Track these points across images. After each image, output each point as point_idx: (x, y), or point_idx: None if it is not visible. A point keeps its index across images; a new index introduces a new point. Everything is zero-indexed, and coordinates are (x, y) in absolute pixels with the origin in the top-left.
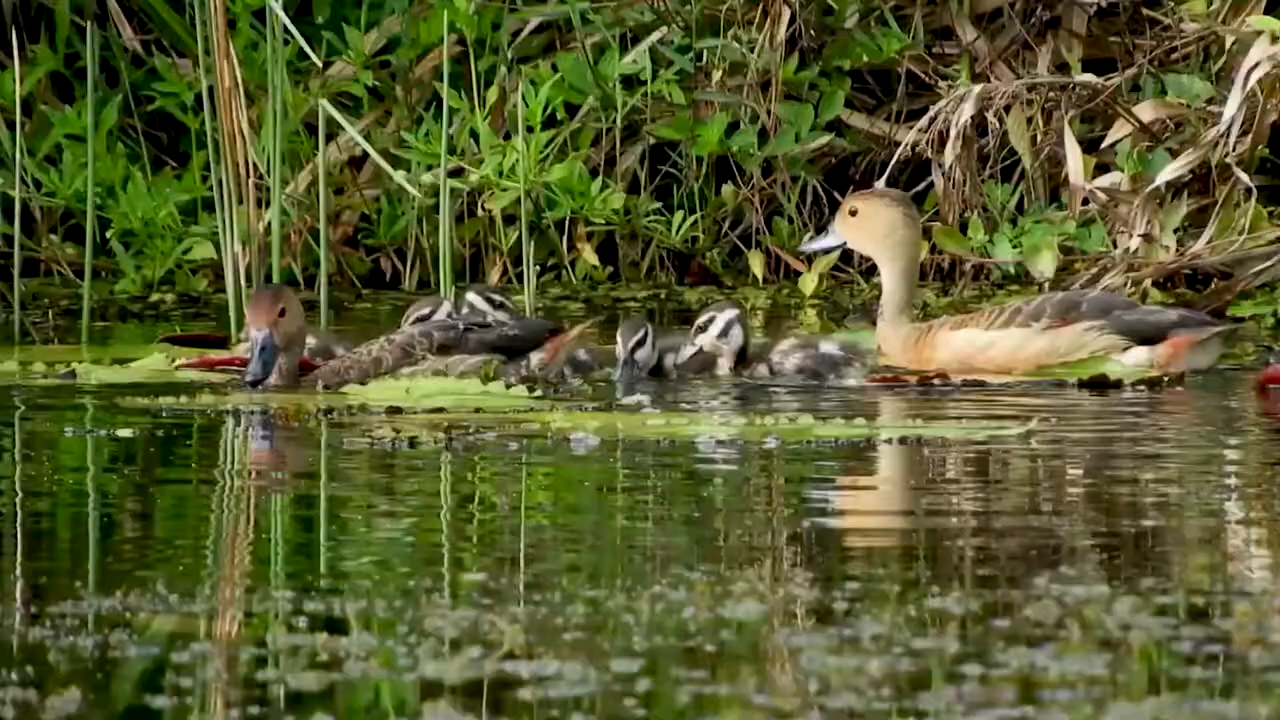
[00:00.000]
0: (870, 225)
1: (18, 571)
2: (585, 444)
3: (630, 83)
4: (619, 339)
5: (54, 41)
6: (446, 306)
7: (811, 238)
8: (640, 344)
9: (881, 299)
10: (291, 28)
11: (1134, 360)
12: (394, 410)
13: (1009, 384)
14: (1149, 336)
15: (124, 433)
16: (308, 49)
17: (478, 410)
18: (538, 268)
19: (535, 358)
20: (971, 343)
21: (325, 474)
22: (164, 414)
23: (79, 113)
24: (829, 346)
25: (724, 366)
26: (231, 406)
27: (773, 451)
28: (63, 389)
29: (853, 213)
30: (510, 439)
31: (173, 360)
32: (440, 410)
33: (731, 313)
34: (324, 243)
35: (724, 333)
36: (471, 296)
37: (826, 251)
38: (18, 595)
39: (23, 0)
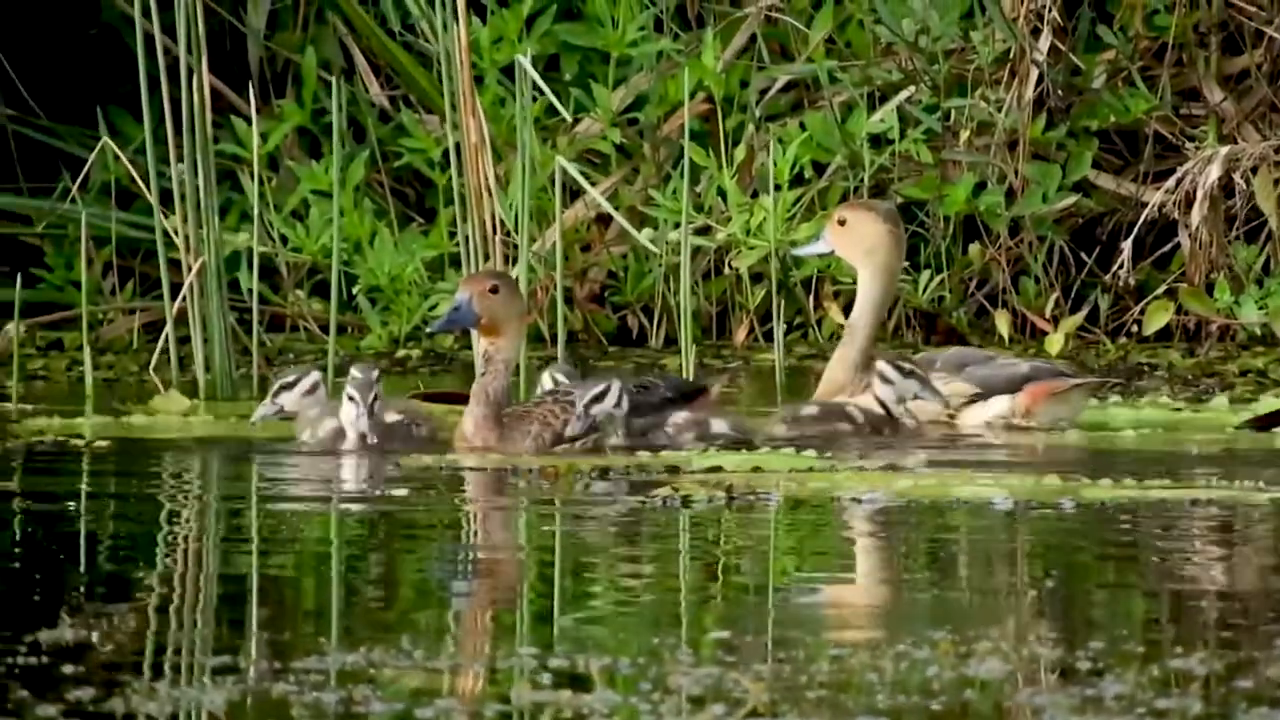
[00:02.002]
0: (855, 237)
1: (262, 626)
2: (875, 503)
3: (878, 141)
4: (577, 391)
5: (301, 96)
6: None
7: (806, 243)
8: (599, 398)
9: (850, 316)
10: (541, 83)
11: (995, 410)
12: (671, 469)
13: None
14: (1002, 389)
15: (397, 491)
16: (558, 105)
17: (756, 469)
18: (784, 326)
19: (684, 418)
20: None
21: (581, 531)
22: (442, 469)
23: (326, 168)
24: (720, 425)
25: (615, 439)
26: (509, 465)
27: (1067, 513)
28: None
29: (841, 222)
30: (792, 499)
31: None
32: (718, 469)
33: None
34: (560, 299)
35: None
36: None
37: (819, 255)
38: (262, 650)
39: (270, 55)
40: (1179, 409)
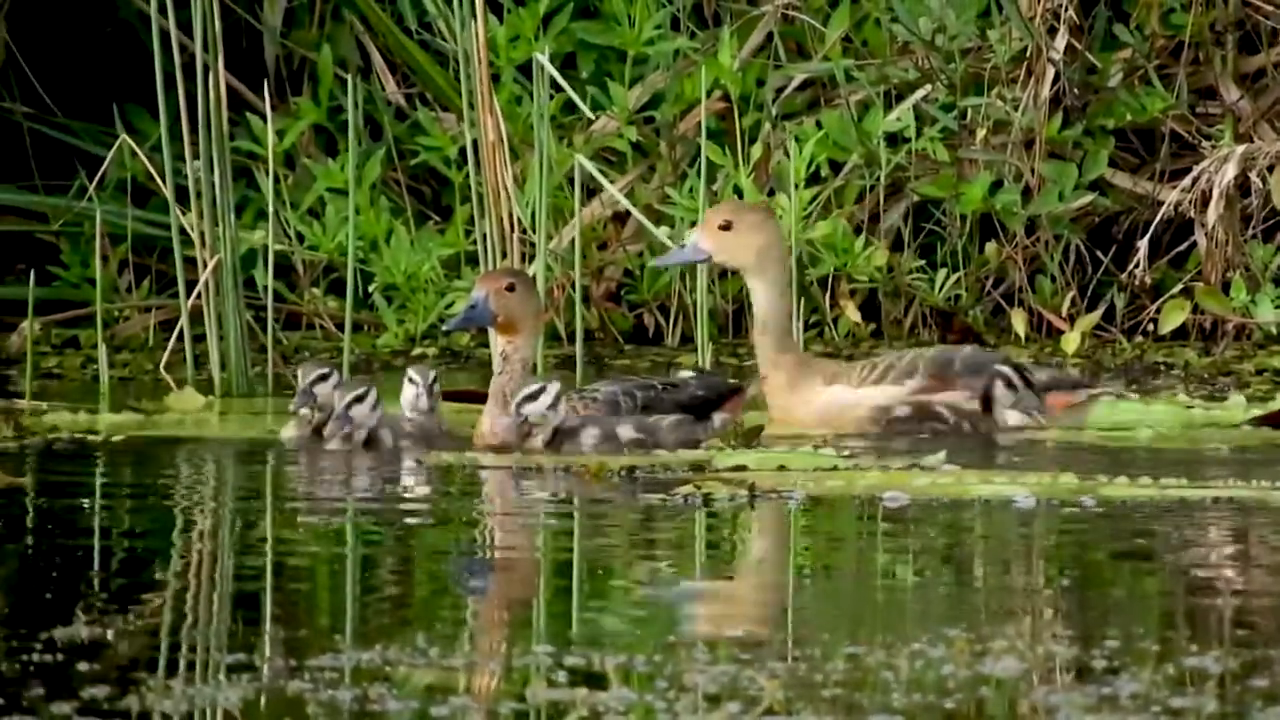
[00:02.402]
0: (748, 240)
1: (277, 623)
2: (897, 501)
3: (894, 140)
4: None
5: (317, 94)
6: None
7: (663, 253)
8: (532, 398)
9: (760, 318)
10: (561, 80)
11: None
12: (697, 468)
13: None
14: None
15: (415, 490)
16: (579, 101)
17: (780, 468)
18: (801, 324)
19: (719, 418)
20: (838, 400)
21: (600, 528)
22: (466, 468)
23: (342, 166)
24: (626, 431)
25: (539, 440)
26: (534, 464)
27: (1086, 512)
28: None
29: (726, 226)
30: (814, 497)
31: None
32: (744, 468)
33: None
34: (580, 298)
35: (554, 404)
36: (1009, 371)
37: (690, 264)
38: (277, 648)
39: (286, 53)
40: (1190, 406)
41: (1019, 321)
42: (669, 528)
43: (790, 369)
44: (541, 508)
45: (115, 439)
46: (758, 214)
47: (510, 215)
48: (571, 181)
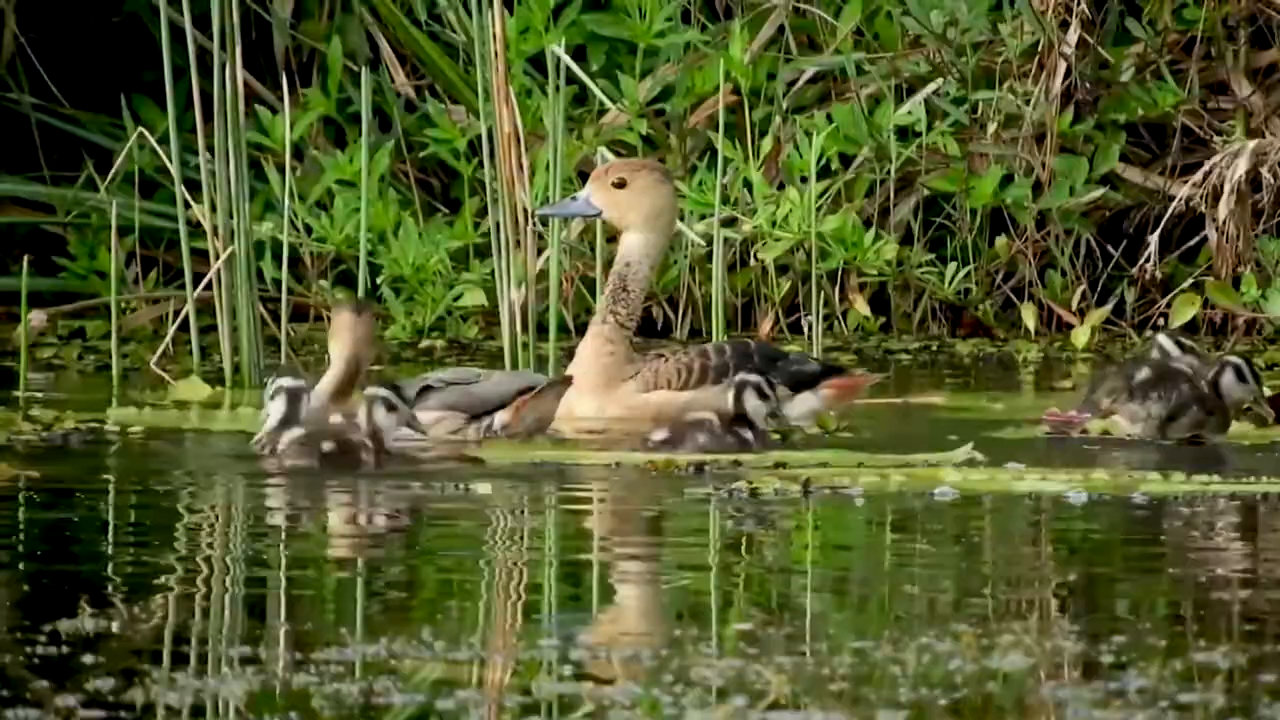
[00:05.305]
0: (640, 200)
1: (283, 616)
2: (945, 496)
3: (905, 134)
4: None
5: (326, 86)
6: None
7: (554, 203)
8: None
9: (619, 275)
10: (577, 69)
11: (805, 406)
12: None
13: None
14: (804, 384)
15: (482, 489)
16: (596, 90)
17: (823, 464)
18: (810, 317)
19: (499, 417)
20: (671, 403)
21: (619, 523)
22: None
23: (351, 158)
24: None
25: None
26: (610, 460)
27: (1140, 510)
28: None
29: (620, 184)
30: (870, 493)
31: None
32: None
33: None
34: (599, 289)
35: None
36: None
37: (582, 218)
38: (283, 641)
39: (295, 45)
40: None
41: (1029, 316)
42: (691, 522)
43: (620, 356)
44: (559, 500)
45: (129, 430)
46: (654, 174)
47: (524, 206)
48: (582, 175)
